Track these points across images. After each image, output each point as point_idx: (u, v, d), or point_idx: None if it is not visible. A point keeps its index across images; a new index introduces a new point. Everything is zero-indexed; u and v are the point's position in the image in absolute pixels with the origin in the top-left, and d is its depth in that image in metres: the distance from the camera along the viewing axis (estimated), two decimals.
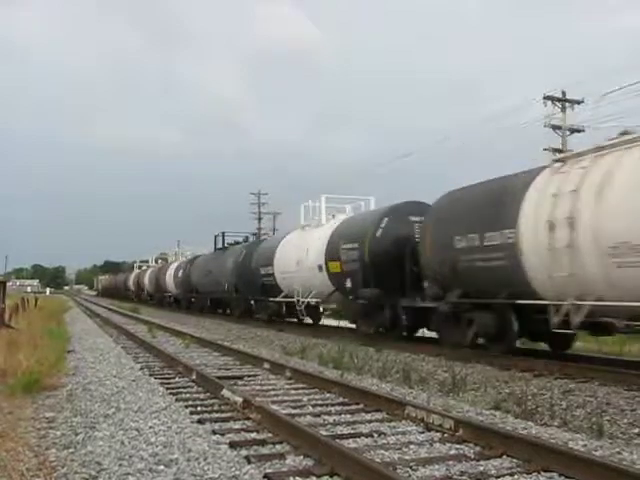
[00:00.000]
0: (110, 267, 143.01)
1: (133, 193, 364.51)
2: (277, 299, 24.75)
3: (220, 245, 35.97)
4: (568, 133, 31.95)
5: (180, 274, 41.85)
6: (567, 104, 32.07)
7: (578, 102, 31.88)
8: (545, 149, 31.17)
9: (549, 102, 31.98)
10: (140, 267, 71.22)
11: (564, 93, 32.04)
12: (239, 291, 29.65)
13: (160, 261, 62.98)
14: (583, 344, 15.86)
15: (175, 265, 46.13)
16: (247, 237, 36.46)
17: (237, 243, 34.89)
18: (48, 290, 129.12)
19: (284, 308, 24.83)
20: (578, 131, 31.96)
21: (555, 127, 31.80)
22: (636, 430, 7.40)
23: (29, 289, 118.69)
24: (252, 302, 28.59)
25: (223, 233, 36.21)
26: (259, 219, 63.63)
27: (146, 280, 56.72)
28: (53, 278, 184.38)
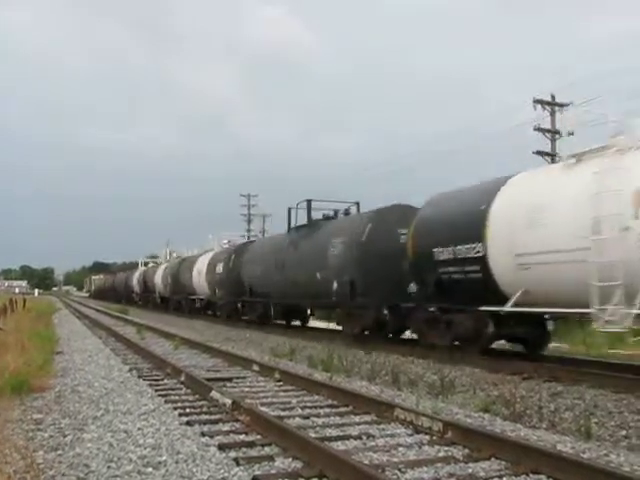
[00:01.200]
0: (99, 268, 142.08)
1: (123, 194, 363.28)
2: (507, 308, 12.15)
3: (295, 223, 23.02)
4: (558, 136, 32.08)
5: (220, 269, 29.85)
6: (556, 107, 32.23)
7: (567, 105, 32.03)
8: (534, 152, 31.40)
9: (539, 105, 32.15)
10: (146, 264, 61.23)
11: (553, 97, 32.23)
12: (364, 294, 17.01)
13: (175, 254, 50.60)
14: (570, 347, 15.94)
15: (208, 257, 33.29)
16: (347, 209, 21.72)
17: (328, 218, 21.66)
18: (36, 291, 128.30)
19: (490, 327, 12.82)
20: (568, 134, 32.02)
21: (544, 130, 31.95)
22: (623, 432, 7.45)
23: (17, 290, 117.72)
24: (386, 311, 16.63)
25: (309, 202, 22.30)
26: (249, 221, 63.53)
27: (157, 279, 45.24)
28: (42, 279, 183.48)
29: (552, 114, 32.19)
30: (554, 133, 32.04)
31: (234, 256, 28.68)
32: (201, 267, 33.59)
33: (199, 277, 33.63)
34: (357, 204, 21.98)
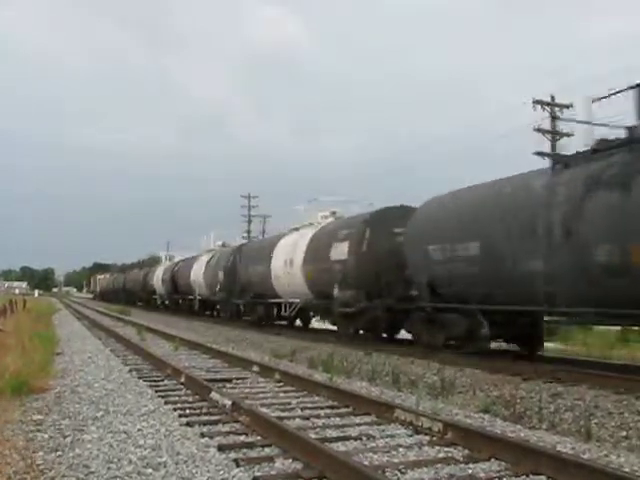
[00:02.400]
0: (99, 269, 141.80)
1: (123, 194, 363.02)
2: None
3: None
4: (557, 137, 32.12)
5: (342, 253, 17.94)
6: (556, 108, 32.28)
7: (567, 106, 32.11)
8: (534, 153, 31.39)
9: (539, 106, 32.20)
10: (170, 259, 49.37)
11: (553, 97, 32.26)
12: None
13: (221, 242, 36.39)
14: (571, 348, 15.92)
15: (307, 235, 21.18)
16: None
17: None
18: (36, 292, 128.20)
19: None
20: (567, 135, 32.15)
21: (544, 131, 31.98)
22: (623, 433, 7.45)
23: (17, 291, 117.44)
24: None
25: None
26: (249, 222, 63.58)
27: (197, 277, 33.95)
28: (42, 280, 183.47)
29: (552, 114, 32.23)
30: (554, 134, 32.09)
31: (369, 231, 17.20)
32: (290, 253, 21.61)
33: (287, 270, 21.66)
34: None
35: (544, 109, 32.20)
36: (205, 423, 7.50)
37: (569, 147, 31.28)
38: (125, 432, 6.90)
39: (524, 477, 5.50)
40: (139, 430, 7.00)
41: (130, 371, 12.12)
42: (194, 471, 5.49)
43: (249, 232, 60.63)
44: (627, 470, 5.62)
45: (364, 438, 6.84)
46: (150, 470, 5.50)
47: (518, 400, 9.13)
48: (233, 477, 5.37)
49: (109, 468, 5.56)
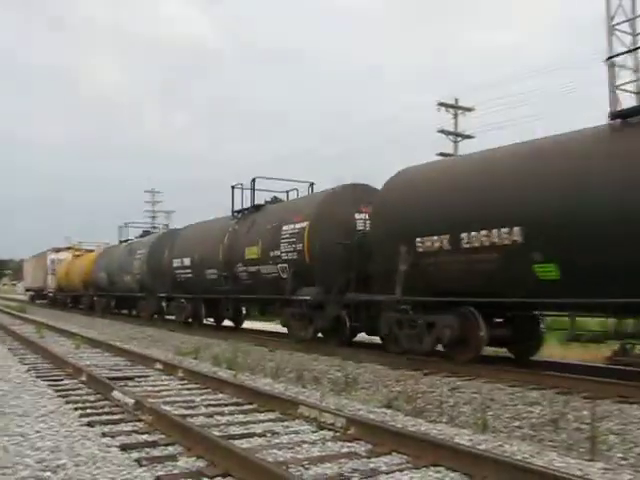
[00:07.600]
0: None
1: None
2: None
3: None
4: (460, 139, 33.12)
5: None
6: (459, 111, 33.32)
7: (469, 109, 33.22)
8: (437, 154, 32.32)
9: (442, 108, 33.18)
10: None
11: (457, 100, 33.29)
12: None
13: None
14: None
15: None
16: None
17: None
18: None
19: None
20: (469, 137, 33.21)
21: (447, 132, 32.95)
22: (517, 423, 7.77)
23: None
24: None
25: None
26: (153, 217, 62.67)
27: None
28: None
29: (455, 117, 33.24)
30: (457, 135, 33.11)
31: None
32: None
33: None
34: None
35: (447, 111, 33.20)
36: (107, 423, 7.33)
37: (470, 149, 32.40)
38: (21, 434, 6.66)
39: (424, 469, 5.66)
40: (37, 432, 6.77)
41: (28, 370, 11.71)
42: (95, 472, 5.36)
43: (153, 227, 59.69)
44: (519, 457, 5.88)
45: (268, 435, 6.86)
46: (48, 473, 5.33)
47: (419, 395, 9.37)
48: (136, 477, 5.28)
49: (3, 474, 5.34)
